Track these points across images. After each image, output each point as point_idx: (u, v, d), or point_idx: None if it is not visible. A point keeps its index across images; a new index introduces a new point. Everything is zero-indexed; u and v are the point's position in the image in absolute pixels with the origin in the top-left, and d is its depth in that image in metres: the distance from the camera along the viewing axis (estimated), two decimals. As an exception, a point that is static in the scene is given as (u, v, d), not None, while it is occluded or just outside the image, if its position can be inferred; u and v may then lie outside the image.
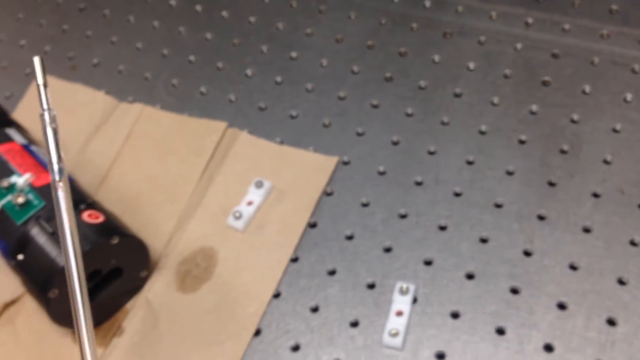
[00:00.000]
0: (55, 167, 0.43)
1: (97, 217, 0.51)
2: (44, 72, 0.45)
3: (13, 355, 0.53)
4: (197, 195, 0.59)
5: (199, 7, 0.73)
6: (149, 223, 0.57)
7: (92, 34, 0.74)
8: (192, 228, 0.57)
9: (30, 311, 0.54)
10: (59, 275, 0.48)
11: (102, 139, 0.65)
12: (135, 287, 0.54)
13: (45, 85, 0.45)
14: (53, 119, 0.45)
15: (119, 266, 0.52)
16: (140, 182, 0.61)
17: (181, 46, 0.71)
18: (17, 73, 0.72)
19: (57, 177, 0.43)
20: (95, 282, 0.51)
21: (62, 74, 0.70)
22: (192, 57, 0.69)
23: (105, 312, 0.53)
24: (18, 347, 0.53)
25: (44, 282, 0.48)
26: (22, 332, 0.54)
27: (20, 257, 0.50)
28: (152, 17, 0.74)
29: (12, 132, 0.58)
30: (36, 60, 0.45)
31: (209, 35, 0.70)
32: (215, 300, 0.53)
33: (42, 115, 0.44)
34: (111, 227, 0.51)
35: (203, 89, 0.66)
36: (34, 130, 0.62)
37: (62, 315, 0.50)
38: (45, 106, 0.44)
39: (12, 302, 0.55)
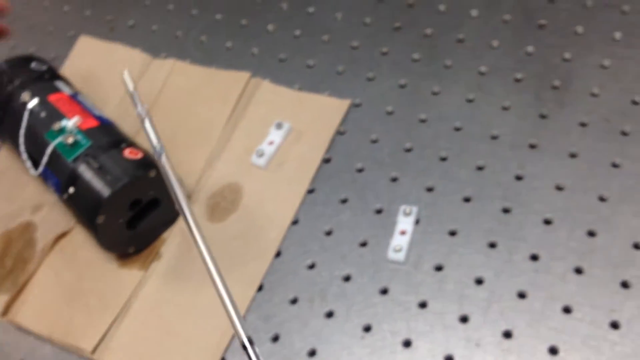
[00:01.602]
0: (158, 146, 0.52)
1: (137, 154, 0.58)
2: (133, 80, 0.55)
3: (65, 278, 0.60)
4: (224, 138, 0.65)
5: (224, -30, 0.79)
6: (182, 163, 0.64)
7: (127, -3, 0.81)
8: (220, 166, 0.64)
9: (79, 242, 0.62)
10: (105, 203, 0.55)
11: (139, 91, 0.71)
12: (171, 218, 0.61)
13: (135, 90, 0.54)
14: (146, 113, 0.53)
15: (156, 197, 0.58)
16: (174, 127, 0.67)
17: (209, 6, 0.77)
18: (62, 36, 0.80)
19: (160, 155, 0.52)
20: (136, 211, 0.58)
21: (102, 35, 0.77)
22: (218, 16, 0.75)
23: (146, 240, 0.60)
24: (70, 272, 0.60)
25: (92, 210, 0.55)
26: (73, 260, 0.61)
27: (71, 190, 0.57)
28: (182, -19, 0.80)
29: (60, 84, 0.65)
30: (125, 73, 0.55)
31: (233, -4, 0.77)
32: (241, 228, 0.60)
33: (138, 114, 0.53)
34: (149, 162, 0.58)
35: (229, 44, 0.73)
36: (78, 85, 0.69)
37: (109, 241, 0.57)
38: (139, 107, 0.53)
39: (64, 235, 0.63)
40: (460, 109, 0.61)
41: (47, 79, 0.65)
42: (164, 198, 0.59)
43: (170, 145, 0.65)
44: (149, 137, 0.52)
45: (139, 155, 0.58)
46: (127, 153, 0.58)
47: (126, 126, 0.67)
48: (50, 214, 0.64)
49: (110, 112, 0.68)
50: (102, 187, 0.55)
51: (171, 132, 0.67)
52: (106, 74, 0.74)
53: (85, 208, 0.57)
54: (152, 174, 0.57)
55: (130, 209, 0.57)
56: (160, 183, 0.58)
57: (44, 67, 0.67)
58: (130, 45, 0.75)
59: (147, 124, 0.53)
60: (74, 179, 0.57)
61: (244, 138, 0.65)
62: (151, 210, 0.59)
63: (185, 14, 0.77)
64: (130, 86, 0.55)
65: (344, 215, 0.58)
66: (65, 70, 0.75)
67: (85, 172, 0.57)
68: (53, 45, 0.79)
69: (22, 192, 0.66)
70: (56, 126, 0.59)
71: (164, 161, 0.51)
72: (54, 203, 0.64)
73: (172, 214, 0.61)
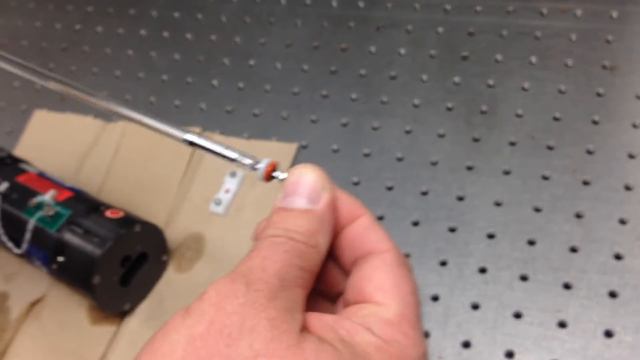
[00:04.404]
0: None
1: (117, 213, 0.61)
2: None
3: (42, 344, 0.62)
4: (182, 191, 0.69)
5: (166, 33, 0.83)
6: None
7: (75, 68, 0.84)
8: (182, 218, 0.67)
9: (53, 306, 0.64)
10: (98, 263, 0.57)
11: (95, 156, 0.74)
12: (159, 270, 0.64)
13: None
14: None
15: (144, 251, 0.61)
16: (132, 187, 0.70)
17: (154, 68, 0.80)
18: (15, 111, 0.82)
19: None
20: (127, 267, 0.60)
21: (53, 106, 0.80)
22: (164, 77, 0.79)
23: (140, 295, 0.63)
24: (46, 336, 0.62)
25: (87, 273, 0.58)
26: (48, 325, 0.63)
27: (60, 259, 0.59)
28: (126, 47, 0.83)
29: (24, 165, 0.68)
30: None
31: (177, 56, 0.80)
32: (208, 274, 0.63)
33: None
34: (131, 219, 0.61)
35: (177, 102, 0.76)
36: (38, 162, 0.72)
37: (106, 300, 0.60)
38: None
39: (37, 301, 0.65)
40: (400, 141, 0.65)
41: (9, 163, 0.68)
42: (150, 251, 0.62)
43: (130, 204, 0.69)
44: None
45: (120, 214, 0.61)
46: (109, 214, 0.61)
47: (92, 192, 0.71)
48: (23, 282, 0.66)
49: (70, 180, 0.71)
50: (92, 249, 0.58)
51: (129, 192, 0.70)
52: (63, 144, 0.77)
53: (79, 272, 0.59)
54: (137, 228, 0.60)
55: (121, 266, 0.60)
56: (145, 237, 0.61)
57: (4, 154, 0.69)
58: (82, 112, 0.78)
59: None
60: (62, 247, 0.59)
61: (201, 189, 0.68)
62: (141, 265, 0.62)
63: (133, 77, 0.80)
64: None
65: (303, 251, 0.61)
66: (23, 144, 0.78)
67: (72, 238, 0.59)
68: (7, 121, 0.81)
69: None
70: (33, 202, 0.61)
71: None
72: (26, 271, 0.66)
73: (159, 266, 0.64)
